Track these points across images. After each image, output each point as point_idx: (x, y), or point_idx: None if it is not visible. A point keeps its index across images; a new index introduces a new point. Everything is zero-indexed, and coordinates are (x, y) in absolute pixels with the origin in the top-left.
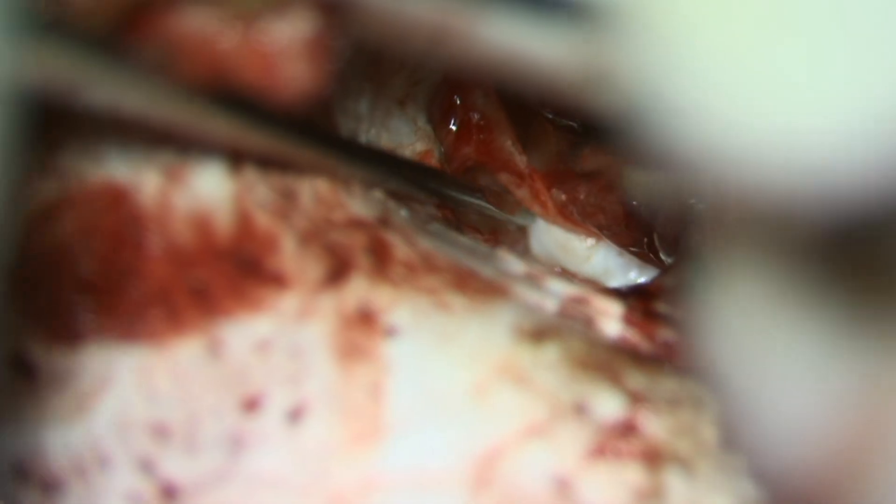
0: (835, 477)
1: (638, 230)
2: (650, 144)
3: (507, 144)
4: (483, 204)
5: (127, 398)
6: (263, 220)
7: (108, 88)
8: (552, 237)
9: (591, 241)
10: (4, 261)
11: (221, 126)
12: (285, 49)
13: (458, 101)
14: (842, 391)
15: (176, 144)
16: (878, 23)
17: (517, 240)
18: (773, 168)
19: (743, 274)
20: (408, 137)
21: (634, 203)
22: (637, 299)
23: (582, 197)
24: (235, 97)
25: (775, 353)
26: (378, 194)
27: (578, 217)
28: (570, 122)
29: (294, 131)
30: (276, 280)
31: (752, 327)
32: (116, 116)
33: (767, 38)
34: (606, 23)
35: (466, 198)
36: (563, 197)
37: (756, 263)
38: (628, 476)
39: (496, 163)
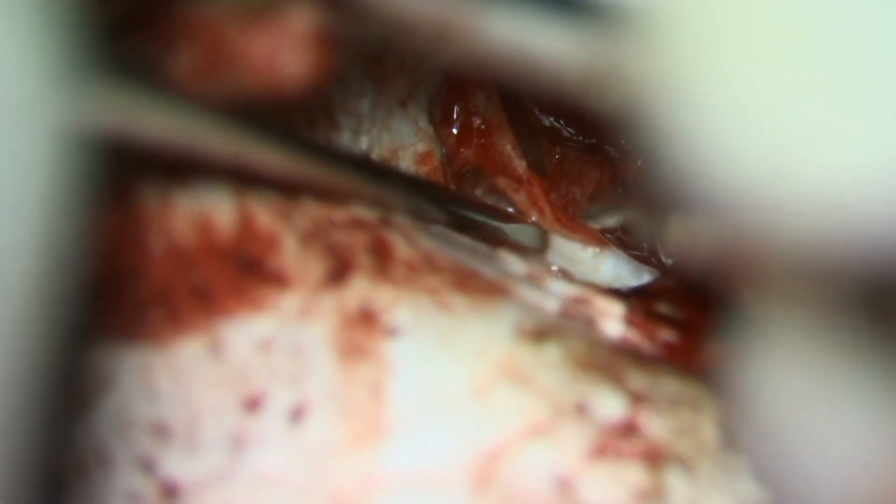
0: None
1: (637, 235)
2: (665, 175)
3: (507, 149)
4: (496, 224)
5: (128, 397)
6: (265, 220)
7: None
8: (557, 252)
9: (595, 250)
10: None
11: (234, 146)
12: (288, 41)
13: (460, 103)
14: (887, 447)
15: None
16: None
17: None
18: (814, 216)
19: (786, 326)
20: (409, 138)
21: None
22: (638, 300)
23: (578, 199)
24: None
25: (822, 409)
26: None
27: (576, 222)
28: (560, 124)
29: (304, 149)
30: (278, 279)
31: (797, 381)
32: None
33: (813, 72)
34: (628, 24)
35: (480, 218)
36: (561, 202)
37: (800, 315)
38: (629, 476)
39: (495, 166)
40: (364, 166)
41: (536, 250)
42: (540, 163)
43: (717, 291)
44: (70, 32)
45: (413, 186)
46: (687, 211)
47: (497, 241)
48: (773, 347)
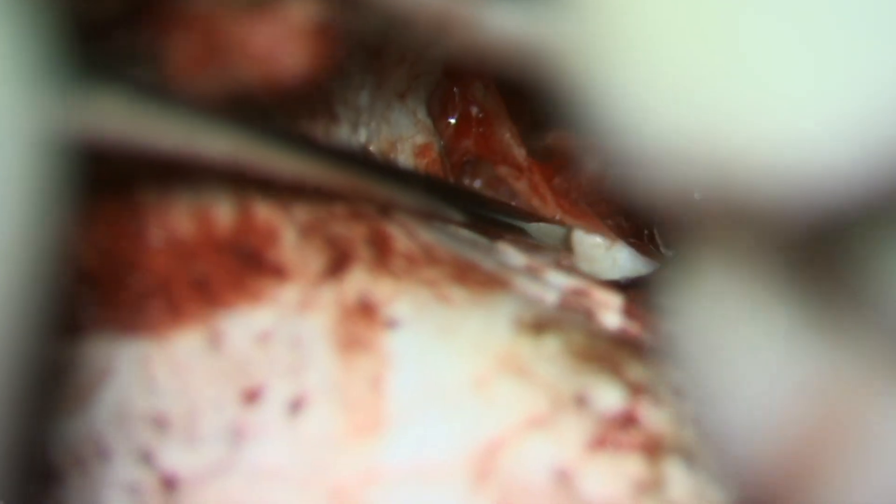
0: (793, 471)
1: (638, 221)
2: (600, 136)
3: (506, 137)
4: (518, 224)
5: (127, 390)
6: (264, 212)
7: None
8: (576, 254)
9: (606, 243)
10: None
11: (232, 148)
12: (288, 32)
13: (458, 94)
14: (803, 383)
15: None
16: (872, 19)
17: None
18: (745, 170)
19: (712, 264)
20: (408, 130)
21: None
22: (637, 291)
23: (583, 185)
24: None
25: (741, 343)
26: None
27: (578, 209)
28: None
29: (307, 151)
30: (277, 272)
31: (720, 318)
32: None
33: (739, 26)
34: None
35: (501, 218)
36: (565, 187)
37: (725, 254)
38: (629, 467)
39: (495, 155)
40: (373, 167)
41: (557, 249)
42: (544, 150)
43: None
44: (54, 34)
45: (428, 187)
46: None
47: (498, 234)
48: (700, 289)
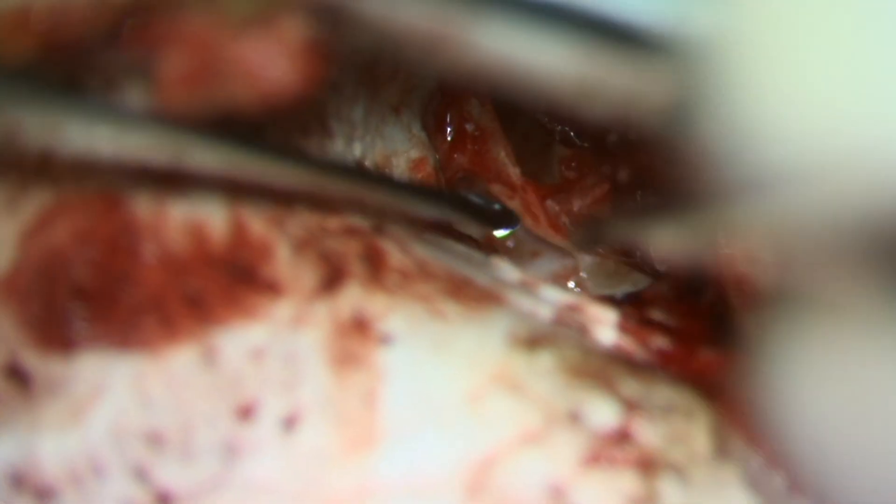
0: None
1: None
2: (721, 171)
3: (501, 156)
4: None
5: (121, 406)
6: (258, 228)
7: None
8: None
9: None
10: None
11: (222, 163)
12: (280, 49)
13: (453, 110)
14: None
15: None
16: None
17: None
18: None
19: (825, 315)
20: (402, 144)
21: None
22: (631, 307)
23: (576, 209)
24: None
25: (865, 397)
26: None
27: (571, 229)
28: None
29: (297, 163)
30: (271, 288)
31: (837, 369)
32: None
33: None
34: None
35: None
36: (557, 208)
37: (837, 303)
38: (622, 483)
39: (489, 173)
40: (359, 175)
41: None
42: (549, 170)
43: (709, 298)
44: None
45: (452, 203)
46: (730, 200)
47: (492, 248)
48: (810, 335)
